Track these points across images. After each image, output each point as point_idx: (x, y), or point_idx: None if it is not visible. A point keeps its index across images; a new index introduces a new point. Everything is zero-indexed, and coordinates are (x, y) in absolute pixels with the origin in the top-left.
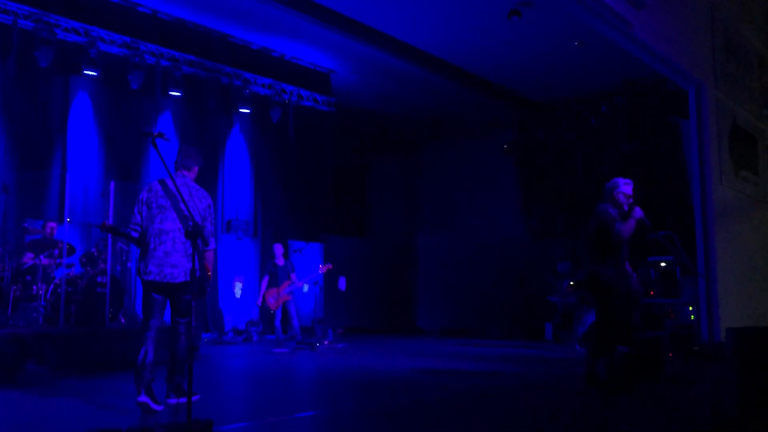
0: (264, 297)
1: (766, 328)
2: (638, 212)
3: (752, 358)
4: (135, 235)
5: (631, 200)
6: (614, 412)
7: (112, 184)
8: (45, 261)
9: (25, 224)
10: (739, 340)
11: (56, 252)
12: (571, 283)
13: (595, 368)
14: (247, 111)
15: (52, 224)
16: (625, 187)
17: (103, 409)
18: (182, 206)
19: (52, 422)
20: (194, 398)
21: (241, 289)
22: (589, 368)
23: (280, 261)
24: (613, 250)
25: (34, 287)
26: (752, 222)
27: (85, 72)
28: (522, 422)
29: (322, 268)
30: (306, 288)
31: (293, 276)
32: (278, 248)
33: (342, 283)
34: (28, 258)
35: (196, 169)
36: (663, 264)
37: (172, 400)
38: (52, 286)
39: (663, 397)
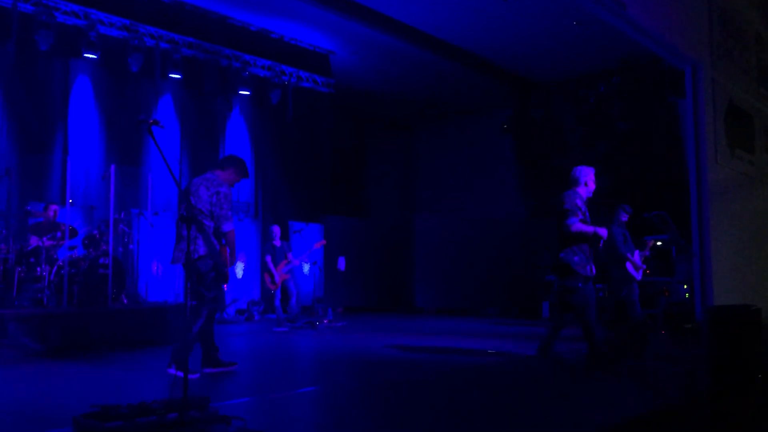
0: (264, 276)
1: (741, 306)
2: (602, 232)
3: (724, 335)
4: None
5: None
6: (585, 387)
7: (113, 168)
8: (48, 243)
9: (28, 207)
10: (713, 318)
11: (58, 234)
12: None
13: (598, 346)
14: (247, 93)
15: (54, 207)
16: (592, 175)
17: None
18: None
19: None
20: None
21: (243, 270)
22: (591, 347)
23: (278, 242)
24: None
25: (38, 269)
26: (747, 201)
27: (85, 55)
28: (502, 396)
29: (317, 245)
30: (307, 268)
31: (290, 255)
32: (276, 229)
33: (341, 263)
34: (33, 241)
35: (231, 171)
36: (658, 243)
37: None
38: (55, 268)
39: (640, 372)
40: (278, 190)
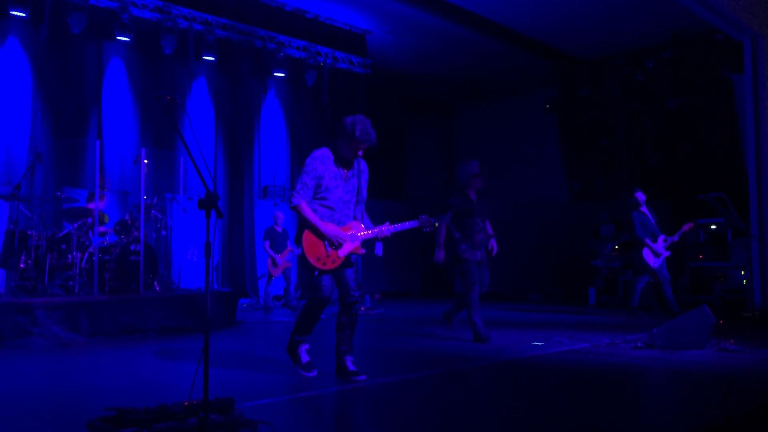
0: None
1: None
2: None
3: None
4: None
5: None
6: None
7: (143, 152)
8: (79, 229)
9: (58, 193)
10: None
11: (89, 221)
12: (615, 246)
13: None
14: (282, 75)
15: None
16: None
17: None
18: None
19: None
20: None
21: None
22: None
23: (280, 228)
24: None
25: (69, 256)
26: None
27: (117, 38)
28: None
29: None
30: None
31: (289, 243)
32: (279, 215)
33: (379, 248)
34: (65, 227)
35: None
36: (713, 226)
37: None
38: (86, 255)
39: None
40: None
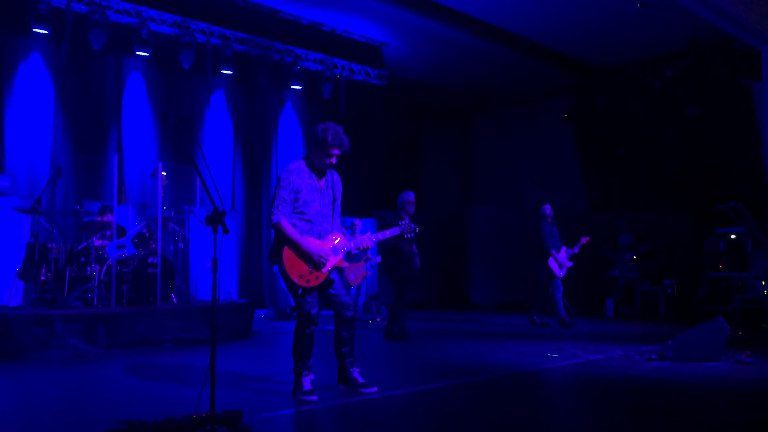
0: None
1: None
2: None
3: None
4: None
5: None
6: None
7: (160, 165)
8: (98, 242)
9: (77, 206)
10: None
11: (107, 233)
12: (633, 257)
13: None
14: (299, 87)
15: (108, 205)
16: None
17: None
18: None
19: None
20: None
21: None
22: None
23: None
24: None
25: (88, 268)
26: None
27: (137, 53)
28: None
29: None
30: None
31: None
32: None
33: (373, 255)
34: (88, 240)
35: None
36: (733, 236)
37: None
38: (105, 267)
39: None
40: None
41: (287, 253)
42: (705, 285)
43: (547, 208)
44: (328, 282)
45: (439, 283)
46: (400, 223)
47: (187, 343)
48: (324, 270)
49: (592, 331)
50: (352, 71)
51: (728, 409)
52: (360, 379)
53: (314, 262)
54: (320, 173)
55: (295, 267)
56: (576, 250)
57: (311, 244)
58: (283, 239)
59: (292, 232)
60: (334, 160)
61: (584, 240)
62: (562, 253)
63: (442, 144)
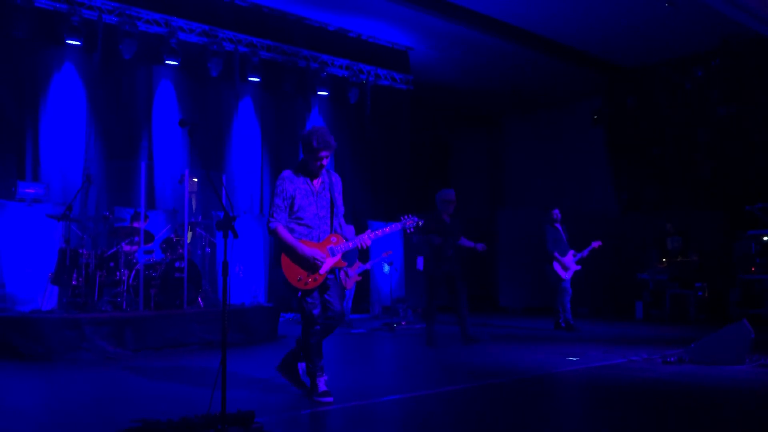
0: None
1: None
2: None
3: None
4: None
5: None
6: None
7: (186, 172)
8: (126, 248)
9: (106, 212)
10: None
11: (136, 239)
12: (663, 260)
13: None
14: (325, 93)
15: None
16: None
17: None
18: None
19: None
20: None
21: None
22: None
23: None
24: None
25: (117, 273)
26: None
27: (166, 61)
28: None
29: (384, 255)
30: (387, 268)
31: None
32: (350, 228)
33: (420, 263)
34: (117, 245)
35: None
36: (765, 238)
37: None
38: (134, 272)
39: None
40: (357, 189)
41: (285, 258)
42: (737, 287)
43: (556, 213)
44: (327, 282)
45: (468, 286)
46: (401, 217)
47: (212, 346)
48: (321, 271)
49: (619, 334)
50: (378, 76)
51: (745, 413)
52: (322, 387)
53: (311, 265)
54: (315, 176)
55: (293, 271)
56: (585, 253)
57: (306, 248)
58: (280, 245)
59: (288, 237)
60: (325, 162)
61: (595, 244)
62: (569, 256)
63: (471, 147)
